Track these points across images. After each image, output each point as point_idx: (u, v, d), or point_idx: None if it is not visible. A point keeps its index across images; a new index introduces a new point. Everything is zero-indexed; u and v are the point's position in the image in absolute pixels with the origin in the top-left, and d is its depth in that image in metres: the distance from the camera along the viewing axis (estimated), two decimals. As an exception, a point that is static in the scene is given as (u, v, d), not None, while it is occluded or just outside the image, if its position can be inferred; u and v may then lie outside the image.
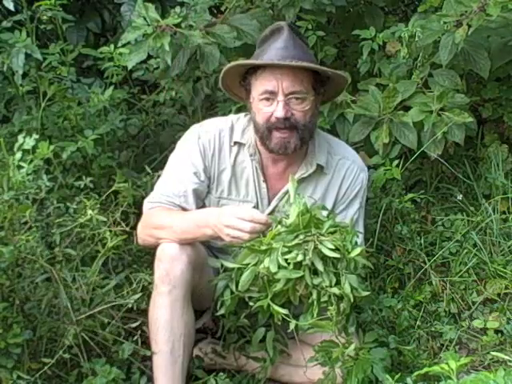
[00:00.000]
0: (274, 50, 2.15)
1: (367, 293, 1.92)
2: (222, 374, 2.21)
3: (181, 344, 2.13)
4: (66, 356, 2.02)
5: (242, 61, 2.24)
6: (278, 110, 2.13)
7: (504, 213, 2.96)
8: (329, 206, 2.26)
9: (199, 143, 2.28)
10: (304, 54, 2.17)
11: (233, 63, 2.22)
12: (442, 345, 2.54)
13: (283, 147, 2.18)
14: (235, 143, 2.29)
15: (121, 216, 2.22)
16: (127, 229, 2.23)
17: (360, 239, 2.28)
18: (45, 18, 2.87)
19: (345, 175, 2.33)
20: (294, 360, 2.32)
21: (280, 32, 2.18)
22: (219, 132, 2.29)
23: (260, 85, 2.16)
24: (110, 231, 2.13)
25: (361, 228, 2.35)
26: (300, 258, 1.86)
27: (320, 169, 2.30)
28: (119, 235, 2.16)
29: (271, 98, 2.15)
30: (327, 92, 2.28)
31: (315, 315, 1.92)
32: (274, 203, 2.31)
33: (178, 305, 2.13)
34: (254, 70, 2.18)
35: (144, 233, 2.28)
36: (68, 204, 2.19)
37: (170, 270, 2.12)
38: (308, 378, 2.26)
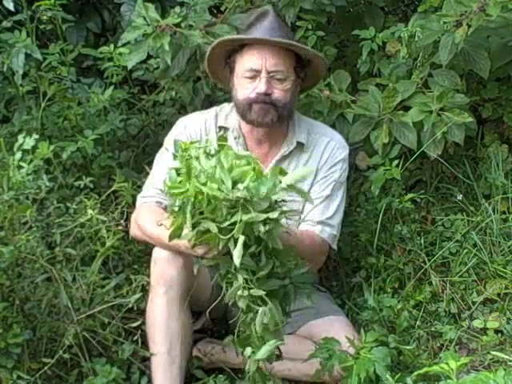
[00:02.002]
0: (262, 30, 2.26)
1: None
2: (221, 375, 2.21)
3: (178, 344, 2.14)
4: (66, 356, 2.02)
5: (230, 36, 2.35)
6: (259, 86, 2.24)
7: (504, 213, 2.96)
8: (310, 178, 2.36)
9: (186, 132, 2.37)
10: (288, 36, 2.29)
11: (221, 38, 2.31)
12: (442, 345, 2.54)
13: (261, 116, 2.26)
14: (220, 128, 2.38)
15: (120, 216, 2.22)
16: (129, 229, 2.24)
17: (334, 220, 2.37)
18: (45, 17, 2.87)
19: (324, 150, 2.42)
20: (292, 354, 2.32)
21: (266, 15, 2.29)
22: (204, 121, 2.39)
23: (245, 61, 2.26)
24: (109, 230, 2.13)
25: (333, 207, 2.38)
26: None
27: (300, 146, 2.39)
28: (117, 233, 2.16)
29: (254, 76, 2.24)
30: (307, 77, 2.37)
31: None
32: None
33: (175, 305, 2.14)
34: (241, 47, 2.27)
35: (135, 233, 2.31)
36: (68, 204, 2.19)
37: (166, 270, 2.13)
38: (306, 373, 2.27)
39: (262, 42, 2.23)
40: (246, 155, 1.88)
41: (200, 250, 1.90)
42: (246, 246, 1.81)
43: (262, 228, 1.77)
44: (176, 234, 1.88)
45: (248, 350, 1.93)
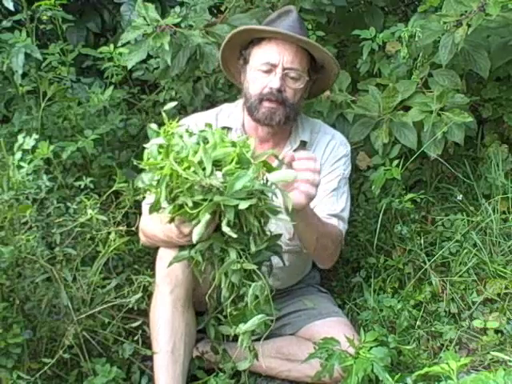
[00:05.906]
0: (283, 27, 2.25)
1: None
2: (222, 374, 2.21)
3: (182, 343, 2.13)
4: (66, 356, 2.02)
5: (255, 26, 2.32)
6: (274, 81, 2.22)
7: (504, 213, 2.96)
8: None
9: None
10: (308, 37, 2.29)
11: (244, 27, 2.30)
12: (442, 345, 2.54)
13: (269, 117, 2.26)
14: (222, 129, 2.32)
15: (121, 217, 2.22)
16: (133, 229, 2.23)
17: (345, 213, 2.35)
18: (45, 17, 2.87)
19: (326, 147, 2.41)
20: (292, 355, 2.33)
21: (289, 14, 2.30)
22: (205, 123, 2.32)
23: (263, 54, 2.25)
24: (116, 232, 2.13)
25: (343, 201, 2.37)
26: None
27: (303, 145, 2.39)
28: (123, 236, 2.16)
29: (269, 71, 2.23)
30: (316, 83, 2.37)
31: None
32: None
33: (180, 304, 2.14)
34: (259, 40, 2.27)
35: (142, 240, 2.32)
36: (68, 204, 2.19)
37: (171, 269, 2.12)
38: (306, 374, 2.27)
39: (284, 37, 2.22)
40: (241, 140, 1.81)
41: (181, 227, 1.84)
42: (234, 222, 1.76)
43: (231, 215, 1.72)
44: (155, 207, 1.84)
45: (241, 326, 1.88)
